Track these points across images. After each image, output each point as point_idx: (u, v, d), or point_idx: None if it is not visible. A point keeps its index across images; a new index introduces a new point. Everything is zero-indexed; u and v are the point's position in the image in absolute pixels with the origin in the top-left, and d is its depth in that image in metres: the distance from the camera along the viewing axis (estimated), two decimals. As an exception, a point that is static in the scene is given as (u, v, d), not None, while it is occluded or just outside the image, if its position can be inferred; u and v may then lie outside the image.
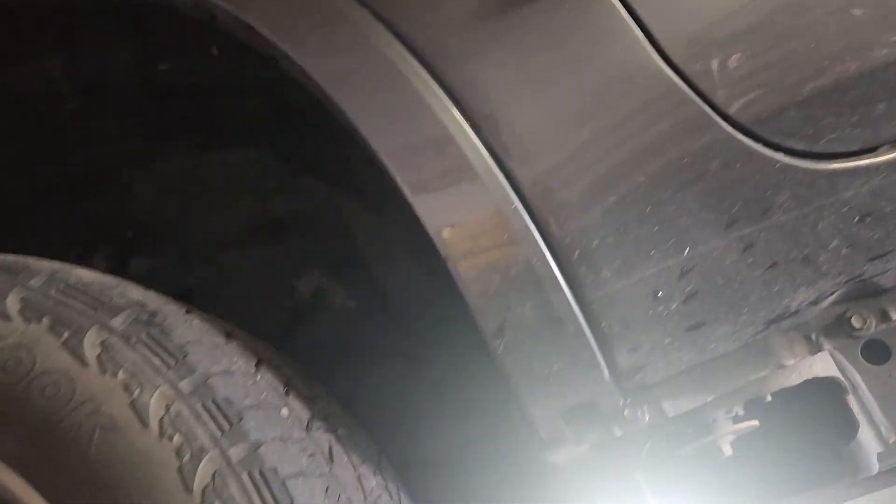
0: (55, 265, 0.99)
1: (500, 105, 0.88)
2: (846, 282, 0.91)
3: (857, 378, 1.15)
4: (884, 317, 0.93)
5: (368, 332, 1.51)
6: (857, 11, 0.82)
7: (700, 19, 0.85)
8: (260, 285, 1.55)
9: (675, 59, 0.85)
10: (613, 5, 0.86)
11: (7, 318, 0.87)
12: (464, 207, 0.89)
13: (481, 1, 0.88)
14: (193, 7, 0.96)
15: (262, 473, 0.79)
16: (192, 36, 1.17)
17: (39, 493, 0.81)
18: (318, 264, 1.56)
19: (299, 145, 1.42)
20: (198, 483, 0.77)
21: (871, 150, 0.84)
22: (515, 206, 0.88)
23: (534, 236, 0.88)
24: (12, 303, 0.89)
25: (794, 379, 1.04)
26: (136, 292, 0.95)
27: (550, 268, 0.86)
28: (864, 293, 0.93)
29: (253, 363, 0.93)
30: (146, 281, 1.56)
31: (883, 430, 1.14)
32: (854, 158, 0.85)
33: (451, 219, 0.89)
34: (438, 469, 1.40)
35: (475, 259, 0.89)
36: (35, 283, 0.92)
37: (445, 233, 0.89)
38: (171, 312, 0.93)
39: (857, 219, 0.85)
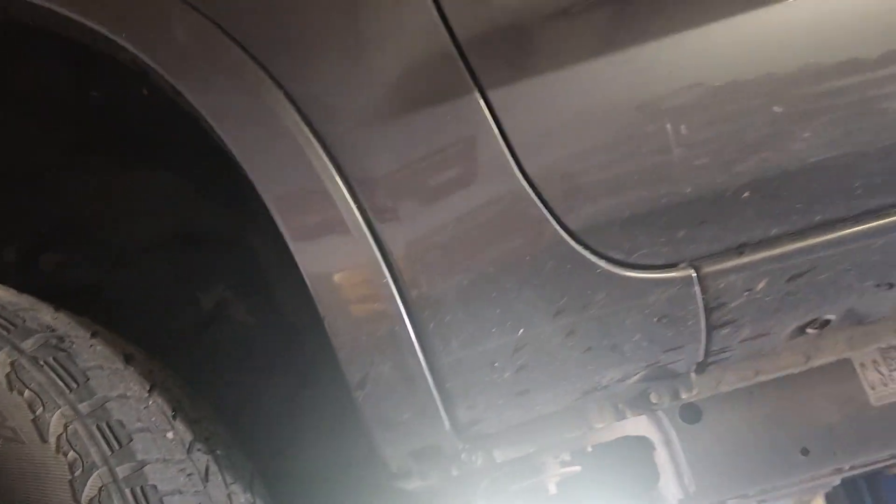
0: (-26, 283, 1.09)
1: (374, 172, 0.95)
2: (646, 366, 1.08)
3: (673, 434, 1.36)
4: (675, 395, 1.11)
5: (263, 348, 1.58)
6: (673, 156, 0.97)
7: (555, 141, 0.97)
8: (165, 293, 1.59)
9: (529, 171, 0.97)
10: (484, 114, 0.95)
11: (-76, 333, 0.94)
12: (337, 261, 0.96)
13: (364, 77, 0.96)
14: (131, 61, 1.06)
15: (143, 490, 0.90)
16: (125, 75, 1.27)
17: (-60, 493, 0.88)
18: (224, 279, 1.65)
19: (214, 176, 1.52)
20: (85, 495, 0.87)
21: (672, 265, 1.00)
22: (383, 271, 0.96)
23: (397, 301, 0.97)
24: (-71, 320, 0.95)
25: (610, 435, 1.24)
26: (47, 315, 1.04)
27: (409, 335, 0.98)
28: (662, 376, 1.10)
29: (147, 388, 1.04)
30: (55, 276, 1.63)
31: (686, 480, 1.35)
32: (658, 271, 1.00)
33: (325, 269, 0.96)
34: (315, 485, 1.48)
35: (344, 312, 0.97)
36: (-47, 300, 0.99)
37: (320, 282, 0.96)
38: (78, 337, 1.03)
39: (656, 319, 1.01)
